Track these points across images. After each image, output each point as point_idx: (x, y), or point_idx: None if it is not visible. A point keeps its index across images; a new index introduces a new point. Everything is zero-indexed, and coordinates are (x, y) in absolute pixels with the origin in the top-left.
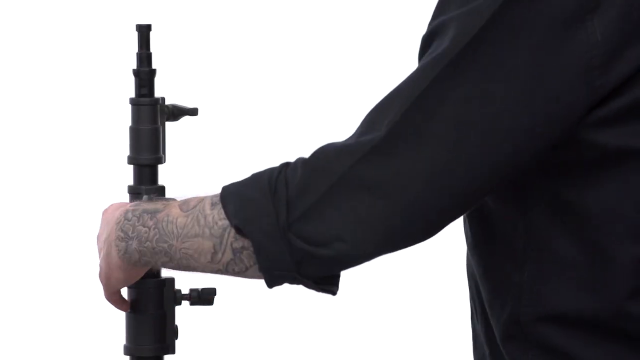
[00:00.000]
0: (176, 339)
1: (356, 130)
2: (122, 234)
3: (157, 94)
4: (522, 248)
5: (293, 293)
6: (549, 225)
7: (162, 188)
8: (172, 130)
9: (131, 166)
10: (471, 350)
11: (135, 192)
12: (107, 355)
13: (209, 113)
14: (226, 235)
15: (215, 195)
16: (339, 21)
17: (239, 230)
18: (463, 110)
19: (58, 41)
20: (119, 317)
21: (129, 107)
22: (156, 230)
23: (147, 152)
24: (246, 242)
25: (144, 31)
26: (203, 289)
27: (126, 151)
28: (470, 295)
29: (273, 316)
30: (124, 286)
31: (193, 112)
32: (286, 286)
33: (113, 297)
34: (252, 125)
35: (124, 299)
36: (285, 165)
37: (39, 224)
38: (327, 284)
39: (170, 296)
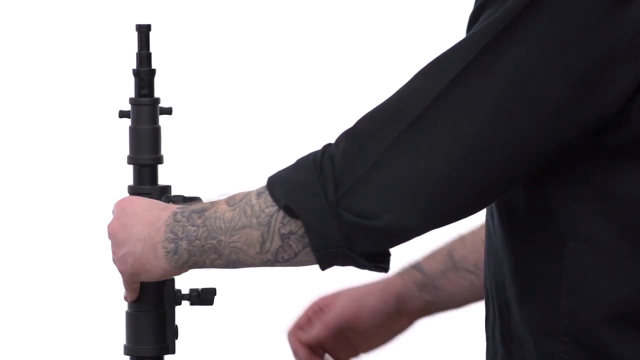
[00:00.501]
0: (176, 339)
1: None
2: (171, 236)
3: (159, 94)
4: (561, 238)
5: (293, 293)
6: (591, 214)
7: (168, 187)
8: (173, 130)
9: (131, 166)
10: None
11: (135, 192)
12: (107, 355)
13: (208, 113)
14: (273, 221)
15: (261, 187)
16: (339, 21)
17: (289, 211)
18: (514, 78)
19: (58, 41)
20: (119, 317)
21: (129, 107)
22: (204, 227)
23: (147, 152)
24: (294, 226)
25: (144, 31)
26: (203, 289)
27: (126, 151)
28: (487, 296)
29: (273, 316)
30: (150, 281)
31: (168, 111)
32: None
33: (131, 286)
34: (252, 125)
35: (138, 287)
36: (329, 144)
37: (39, 224)
38: (379, 261)
39: (170, 296)
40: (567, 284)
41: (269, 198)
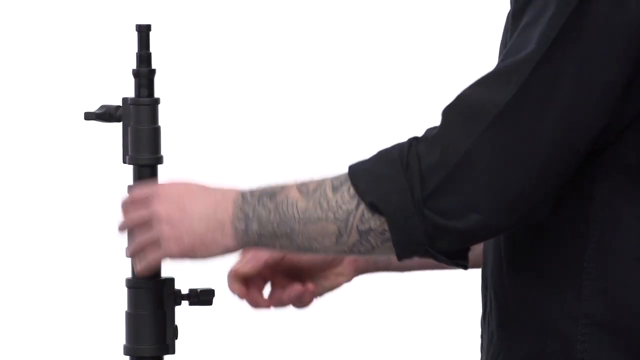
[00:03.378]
0: (176, 339)
1: (473, 90)
2: (241, 214)
3: (159, 94)
4: (585, 220)
5: None
6: (617, 196)
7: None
8: (173, 130)
9: (131, 166)
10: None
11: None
12: (107, 355)
13: (208, 113)
14: (351, 218)
15: (335, 178)
16: (339, 21)
17: (373, 207)
18: (583, 70)
19: (58, 41)
20: (119, 317)
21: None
22: (277, 213)
23: (147, 152)
24: (373, 224)
25: (144, 31)
26: (202, 290)
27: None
28: (484, 283)
29: (273, 316)
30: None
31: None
32: None
33: (158, 263)
34: (252, 125)
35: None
36: (415, 139)
37: (39, 224)
38: (459, 257)
39: (170, 296)
40: (589, 267)
41: (347, 194)
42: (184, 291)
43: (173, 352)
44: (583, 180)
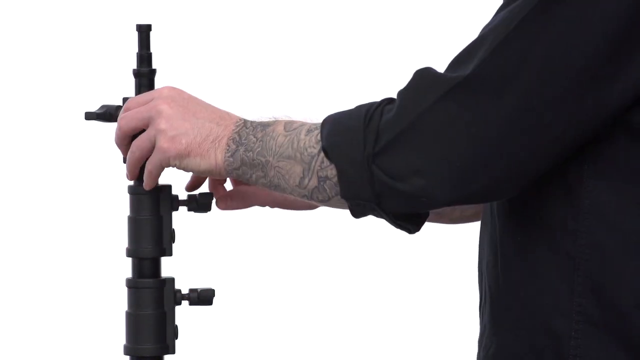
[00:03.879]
0: (176, 339)
1: (446, 68)
2: (237, 137)
3: None
4: (576, 215)
5: (292, 293)
6: (607, 191)
7: (168, 187)
8: None
9: None
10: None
11: (135, 193)
12: (107, 355)
13: None
14: (314, 162)
15: (313, 124)
16: (339, 21)
17: (326, 153)
18: (550, 53)
19: (58, 41)
20: (119, 317)
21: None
22: (260, 142)
23: None
24: (329, 172)
25: (144, 31)
26: (202, 290)
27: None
28: (480, 276)
29: (273, 316)
30: (188, 171)
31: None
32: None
33: (157, 169)
34: None
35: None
36: (388, 99)
37: (39, 224)
38: (406, 221)
39: (170, 296)
40: (581, 264)
41: (314, 138)
42: (184, 291)
43: (173, 352)
44: (572, 176)
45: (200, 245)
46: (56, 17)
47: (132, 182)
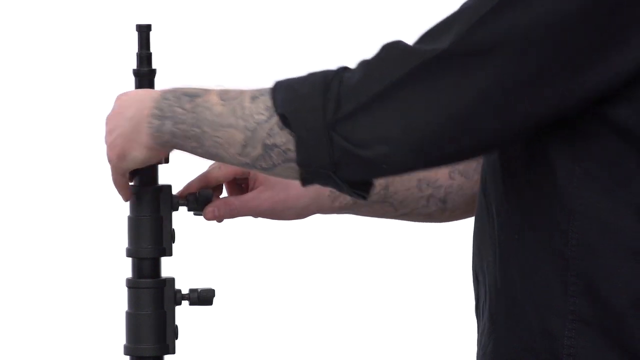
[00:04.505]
0: (176, 339)
1: (417, 40)
2: (157, 112)
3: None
4: (567, 215)
5: (292, 293)
6: (597, 191)
7: (168, 187)
8: None
9: None
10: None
11: (135, 192)
12: (107, 355)
13: None
14: (260, 130)
15: (257, 90)
16: (339, 21)
17: (283, 120)
18: (528, 33)
19: (58, 41)
20: (119, 317)
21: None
22: (193, 114)
23: None
24: (279, 139)
25: (144, 31)
26: (202, 290)
27: None
28: (475, 277)
29: (273, 316)
30: (137, 167)
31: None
32: (285, 287)
33: (121, 179)
34: None
35: (129, 184)
36: (344, 68)
37: (39, 224)
38: (360, 189)
39: (170, 296)
40: (573, 263)
41: (262, 105)
42: (184, 291)
43: (173, 352)
44: (563, 176)
45: (200, 245)
46: (56, 17)
47: (132, 183)
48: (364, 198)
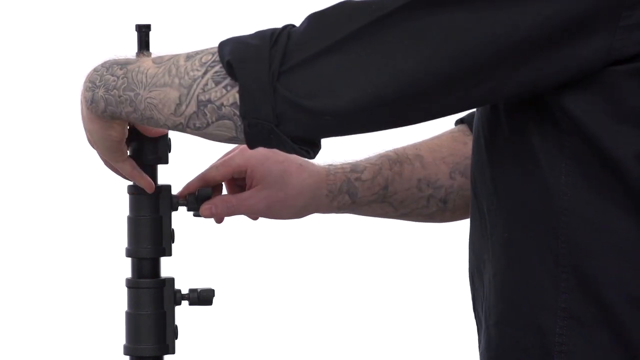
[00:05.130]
0: (176, 339)
1: None
2: (89, 84)
3: None
4: (555, 212)
5: (292, 293)
6: (585, 189)
7: (168, 187)
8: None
9: None
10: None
11: (135, 192)
12: (107, 355)
13: None
14: (195, 85)
15: (192, 51)
16: None
17: (229, 68)
18: (483, 8)
19: (58, 41)
20: (119, 317)
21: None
22: (125, 79)
23: (147, 152)
24: (214, 95)
25: (144, 31)
26: (202, 290)
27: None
28: (471, 278)
29: (273, 316)
30: (111, 147)
31: None
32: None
33: (122, 167)
34: None
35: (136, 170)
36: (292, 25)
37: (39, 224)
38: (304, 144)
39: (170, 296)
40: (563, 260)
41: (197, 62)
42: (184, 291)
43: (173, 352)
44: (552, 173)
45: (200, 245)
46: (56, 17)
47: (131, 182)
48: (309, 155)
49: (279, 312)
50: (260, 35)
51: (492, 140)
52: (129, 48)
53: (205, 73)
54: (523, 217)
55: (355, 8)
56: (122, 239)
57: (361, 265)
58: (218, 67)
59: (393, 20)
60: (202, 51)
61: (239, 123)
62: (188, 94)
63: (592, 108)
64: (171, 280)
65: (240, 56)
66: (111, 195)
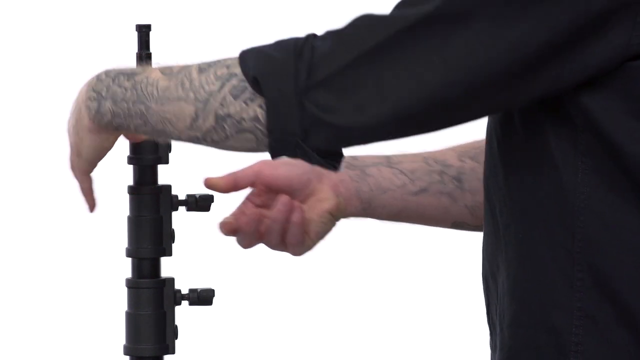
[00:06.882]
0: (176, 339)
1: (395, 7)
2: (94, 94)
3: None
4: (571, 211)
5: (292, 293)
6: (603, 187)
7: (168, 187)
8: None
9: (131, 166)
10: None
11: (135, 192)
12: (107, 355)
13: None
14: (212, 100)
15: (204, 62)
16: (339, 22)
17: (255, 84)
18: (503, 15)
19: (58, 41)
20: (119, 317)
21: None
22: (134, 91)
23: (147, 152)
24: (233, 109)
25: (144, 31)
26: (202, 290)
27: (126, 151)
28: (485, 283)
29: (273, 316)
30: (95, 159)
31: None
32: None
33: (84, 180)
34: None
35: (92, 189)
36: (314, 35)
37: (38, 224)
38: (331, 158)
39: (170, 296)
40: (579, 258)
41: (212, 75)
42: (184, 291)
43: (173, 352)
44: (567, 172)
45: (200, 245)
46: (56, 17)
47: (132, 182)
48: (335, 169)
49: (279, 312)
50: (282, 47)
51: (505, 142)
52: (128, 48)
53: (222, 87)
54: (537, 218)
55: (376, 22)
56: (122, 239)
57: (362, 266)
58: (235, 81)
59: (415, 33)
60: (214, 63)
61: (261, 136)
62: (205, 108)
63: (608, 104)
64: (171, 280)
65: (266, 70)
66: (111, 195)
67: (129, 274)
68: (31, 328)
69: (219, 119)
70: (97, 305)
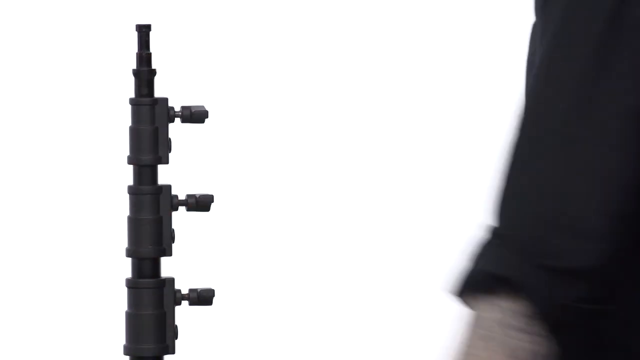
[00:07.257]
0: (176, 339)
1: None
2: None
3: (159, 94)
4: None
5: (292, 293)
6: None
7: (168, 187)
8: (171, 130)
9: (131, 166)
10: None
11: (135, 192)
12: (107, 355)
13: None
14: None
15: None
16: (340, 22)
17: (504, 281)
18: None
19: (58, 41)
20: (119, 317)
21: (129, 107)
22: None
23: (147, 152)
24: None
25: (144, 31)
26: (202, 290)
27: (126, 151)
28: None
29: (273, 316)
30: None
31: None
32: (285, 286)
33: None
34: (252, 125)
35: None
36: (490, 230)
37: (38, 224)
38: (604, 302)
39: (170, 296)
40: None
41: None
42: (184, 291)
43: (173, 352)
44: None
45: (200, 245)
46: (56, 17)
47: (131, 182)
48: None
49: (279, 312)
50: (471, 256)
51: None
52: (128, 48)
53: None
54: None
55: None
56: (122, 239)
57: (362, 266)
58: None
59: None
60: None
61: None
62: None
63: None
64: (171, 280)
65: (500, 264)
66: (111, 195)
67: (129, 274)
68: (31, 328)
69: (507, 328)
70: (97, 305)
